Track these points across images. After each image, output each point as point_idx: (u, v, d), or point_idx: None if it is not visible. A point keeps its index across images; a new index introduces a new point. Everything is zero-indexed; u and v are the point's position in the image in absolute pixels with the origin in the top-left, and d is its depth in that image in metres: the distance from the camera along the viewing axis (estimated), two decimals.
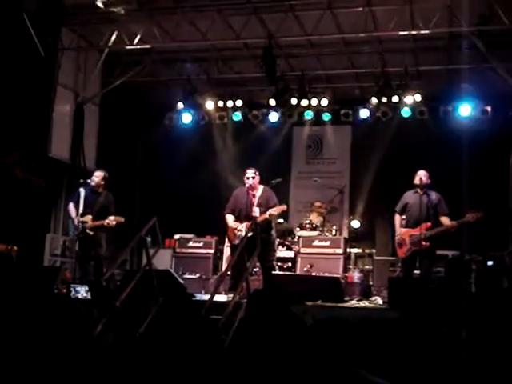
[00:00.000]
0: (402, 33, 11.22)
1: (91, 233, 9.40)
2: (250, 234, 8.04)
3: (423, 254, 8.88)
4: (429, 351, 5.41)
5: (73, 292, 7.77)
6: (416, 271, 9.27)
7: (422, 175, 9.11)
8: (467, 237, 9.73)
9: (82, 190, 9.47)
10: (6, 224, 10.16)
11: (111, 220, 9.41)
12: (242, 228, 9.03)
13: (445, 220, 8.93)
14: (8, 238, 9.71)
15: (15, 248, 9.45)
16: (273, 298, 3.20)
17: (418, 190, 9.13)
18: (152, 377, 2.50)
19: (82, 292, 7.74)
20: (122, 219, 9.56)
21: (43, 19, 11.34)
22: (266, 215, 8.92)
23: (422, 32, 11.01)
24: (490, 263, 11.03)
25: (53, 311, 2.26)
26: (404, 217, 9.28)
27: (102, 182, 9.73)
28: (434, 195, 9.08)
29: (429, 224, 8.85)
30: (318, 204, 12.40)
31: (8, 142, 10.77)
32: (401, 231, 9.11)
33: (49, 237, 11.59)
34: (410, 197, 9.23)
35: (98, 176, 9.73)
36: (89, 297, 7.04)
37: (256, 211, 9.03)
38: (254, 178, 9.21)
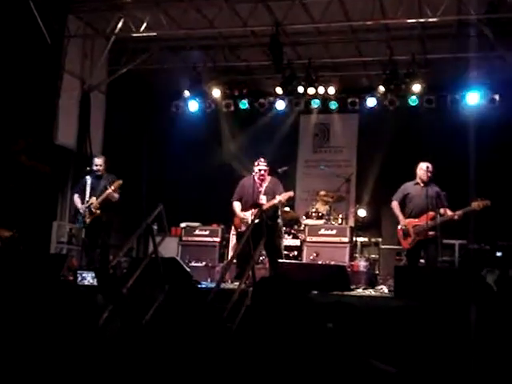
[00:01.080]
0: (409, 20, 11.17)
1: (98, 212, 9.43)
2: (256, 221, 8.02)
3: (428, 243, 8.81)
4: (437, 339, 5.40)
5: (79, 278, 7.77)
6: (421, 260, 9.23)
7: (426, 167, 9.01)
8: (474, 226, 9.70)
9: (88, 178, 9.57)
10: (12, 211, 10.19)
11: (110, 189, 9.45)
12: (248, 216, 9.04)
13: (447, 211, 8.88)
14: (14, 224, 9.74)
15: (16, 235, 9.49)
16: (279, 286, 3.19)
17: (419, 181, 9.07)
18: (158, 364, 2.50)
19: (89, 278, 7.75)
20: (120, 181, 9.59)
21: (50, 6, 11.31)
22: (275, 201, 8.92)
23: (430, 20, 10.96)
24: (498, 254, 11.01)
25: (59, 298, 2.26)
26: (407, 207, 9.19)
27: (105, 166, 9.81)
28: (436, 188, 9.03)
29: (432, 214, 8.79)
30: (322, 193, 12.37)
31: (14, 129, 10.78)
32: (405, 222, 9.03)
33: (55, 224, 11.62)
34: (410, 188, 9.16)
35: (100, 163, 9.80)
36: (95, 283, 7.06)
37: (263, 199, 9.04)
38: (265, 170, 9.25)
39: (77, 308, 2.28)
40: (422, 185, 9.03)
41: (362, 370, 2.58)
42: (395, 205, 9.21)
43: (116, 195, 9.57)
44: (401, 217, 9.11)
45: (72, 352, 2.03)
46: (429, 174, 9.00)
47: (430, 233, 8.71)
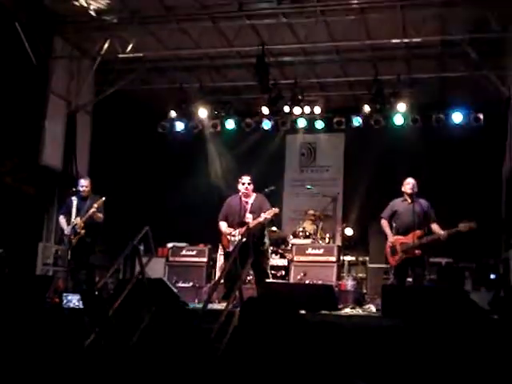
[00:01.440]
0: (394, 41, 11.27)
1: (82, 231, 9.37)
2: (243, 240, 7.99)
3: (415, 261, 8.81)
4: (425, 357, 5.39)
5: (65, 301, 7.70)
6: (409, 279, 9.22)
7: (412, 183, 9.05)
8: (460, 244, 9.72)
9: (74, 199, 9.52)
10: None
11: (94, 208, 9.40)
12: (237, 233, 9.01)
13: (435, 227, 8.84)
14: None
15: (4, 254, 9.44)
16: (267, 306, 3.17)
17: (407, 198, 9.08)
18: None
19: (75, 301, 7.68)
20: (103, 198, 9.55)
21: (35, 28, 11.31)
22: (260, 219, 8.89)
23: (414, 40, 11.07)
24: (492, 276, 11.03)
25: (44, 321, 2.24)
26: (394, 225, 9.20)
27: (89, 188, 9.78)
28: (423, 203, 9.01)
29: (419, 232, 8.80)
30: (311, 212, 12.40)
31: (0, 150, 10.73)
32: (392, 240, 9.03)
33: (41, 246, 11.53)
34: (398, 205, 9.16)
35: (86, 185, 9.79)
36: (81, 306, 6.99)
37: (249, 217, 9.01)
38: (249, 184, 9.22)
39: (63, 330, 2.26)
40: (409, 201, 9.02)
41: None
42: (384, 223, 9.21)
43: (100, 215, 9.52)
44: (389, 234, 9.11)
45: (58, 373, 2.01)
46: (414, 189, 8.99)
47: (417, 251, 8.72)
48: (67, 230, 9.44)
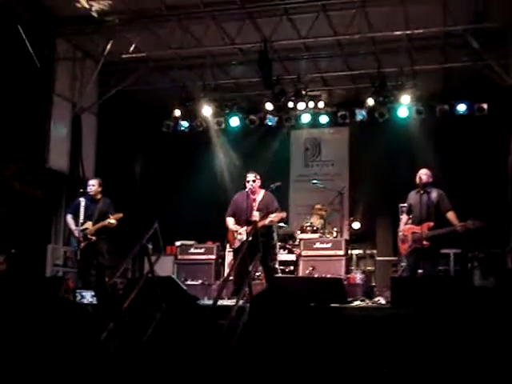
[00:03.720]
0: (396, 33, 11.26)
1: (93, 238, 9.37)
2: (250, 239, 8.01)
3: (425, 253, 8.73)
4: (435, 348, 5.41)
5: (78, 297, 7.72)
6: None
7: (421, 174, 8.98)
8: (468, 235, 9.67)
9: (82, 200, 9.45)
10: (5, 236, 10.16)
11: (111, 219, 9.39)
12: (243, 231, 9.02)
13: (451, 216, 8.68)
14: (8, 249, 9.71)
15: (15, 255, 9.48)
16: (277, 297, 3.19)
17: (419, 189, 9.03)
18: (160, 380, 2.50)
19: (88, 297, 7.70)
20: (121, 214, 9.53)
21: (38, 30, 11.35)
22: (266, 222, 8.89)
23: (416, 31, 11.06)
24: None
25: (60, 314, 2.27)
26: (411, 216, 9.18)
27: (99, 189, 9.73)
28: (434, 193, 8.91)
29: (431, 224, 8.71)
30: (318, 206, 12.41)
31: (5, 154, 10.77)
32: (404, 228, 9.05)
33: (50, 247, 11.57)
34: (412, 197, 9.12)
35: (94, 184, 9.71)
36: (94, 302, 7.02)
37: (256, 215, 9.00)
38: (254, 181, 9.20)
39: (78, 324, 2.29)
40: (421, 192, 8.95)
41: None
42: (402, 216, 9.30)
43: (114, 223, 9.50)
44: (401, 226, 9.16)
45: (73, 367, 2.04)
46: (423, 180, 8.93)
47: (425, 243, 8.67)
48: (77, 232, 9.42)
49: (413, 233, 8.84)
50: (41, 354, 2.05)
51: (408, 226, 9.01)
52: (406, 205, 9.36)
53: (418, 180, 8.96)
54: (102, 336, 3.30)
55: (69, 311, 2.30)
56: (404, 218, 9.31)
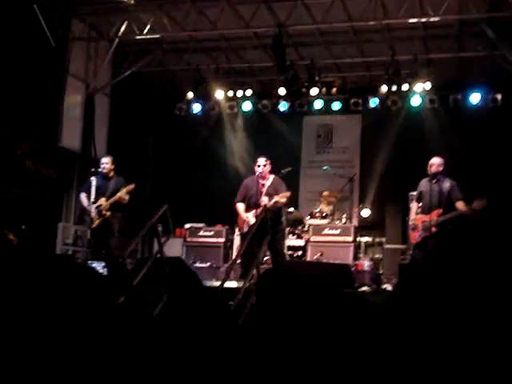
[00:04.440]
0: (411, 20, 11.22)
1: (108, 213, 9.42)
2: (258, 222, 8.04)
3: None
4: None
5: None
6: None
7: (432, 163, 9.00)
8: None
9: (93, 179, 9.48)
10: (17, 214, 10.24)
11: (122, 193, 9.44)
12: (251, 215, 9.06)
13: (460, 205, 8.72)
14: (20, 227, 9.78)
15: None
16: (284, 276, 3.23)
17: (430, 177, 9.04)
18: (170, 353, 2.54)
19: (99, 268, 7.74)
20: (132, 185, 9.58)
21: (53, 10, 11.39)
22: (271, 202, 8.90)
23: (432, 19, 11.00)
24: None
25: (73, 276, 2.31)
26: (420, 204, 9.21)
27: (112, 167, 9.78)
28: (446, 183, 8.91)
29: (440, 211, 8.76)
30: (326, 193, 12.42)
31: (19, 133, 10.84)
32: (415, 217, 9.09)
33: (60, 226, 11.67)
34: (423, 184, 9.15)
35: (107, 162, 9.75)
36: (105, 273, 7.07)
37: (264, 200, 9.04)
38: (264, 166, 9.24)
39: (91, 286, 2.33)
40: (433, 181, 8.96)
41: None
42: (412, 204, 9.32)
43: (126, 197, 9.55)
44: (412, 214, 9.19)
45: (86, 331, 2.08)
46: (434, 169, 8.94)
47: (433, 229, 8.71)
48: (91, 209, 9.46)
49: (423, 221, 8.88)
50: (55, 314, 2.10)
51: (419, 215, 9.04)
52: (415, 193, 9.38)
53: (428, 169, 8.97)
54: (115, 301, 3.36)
55: (83, 275, 2.35)
56: (414, 206, 9.33)
